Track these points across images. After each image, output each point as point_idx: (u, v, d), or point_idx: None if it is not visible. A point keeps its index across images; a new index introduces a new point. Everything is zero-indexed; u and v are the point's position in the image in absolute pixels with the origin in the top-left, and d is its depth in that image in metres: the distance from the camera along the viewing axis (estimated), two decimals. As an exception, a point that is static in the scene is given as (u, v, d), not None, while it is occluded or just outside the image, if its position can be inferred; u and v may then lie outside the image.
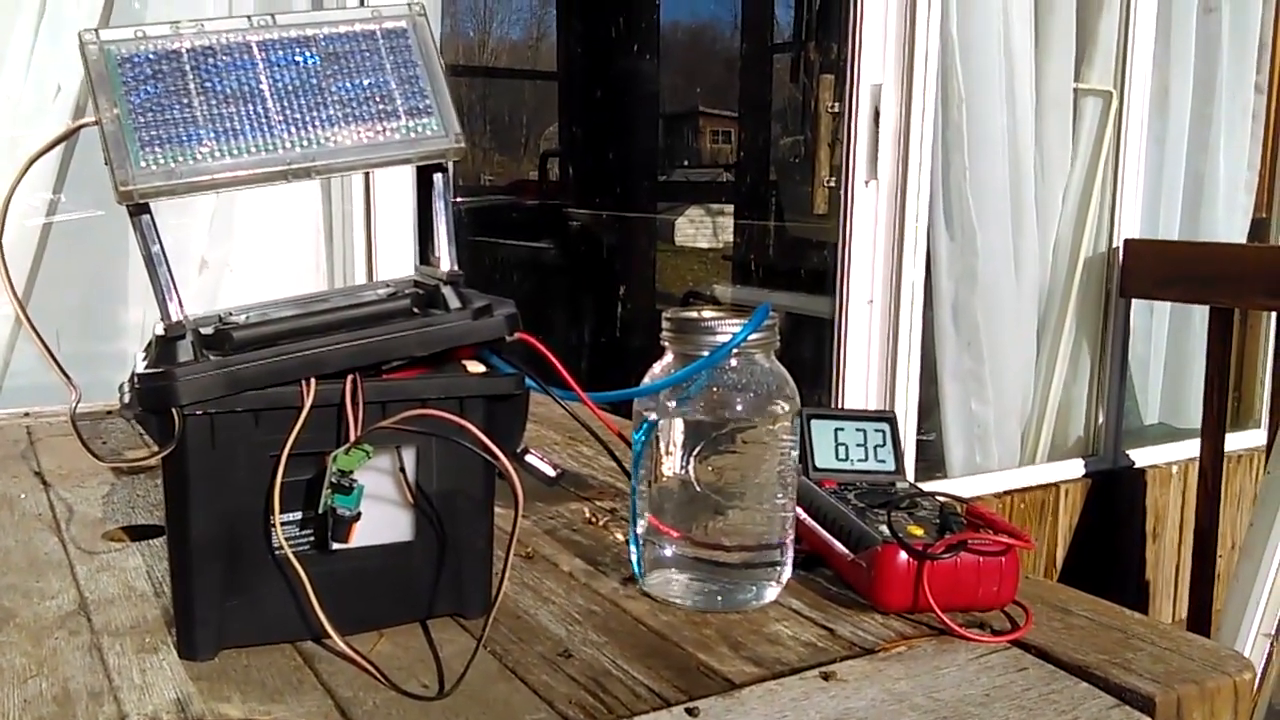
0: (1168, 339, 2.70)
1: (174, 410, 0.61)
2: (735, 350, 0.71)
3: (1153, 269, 2.39)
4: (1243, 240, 2.72)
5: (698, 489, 0.72)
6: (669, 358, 0.74)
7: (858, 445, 0.86)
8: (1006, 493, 2.33)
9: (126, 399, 0.63)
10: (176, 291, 0.63)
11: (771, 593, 0.74)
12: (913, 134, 2.08)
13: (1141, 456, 2.54)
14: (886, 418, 0.87)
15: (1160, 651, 0.67)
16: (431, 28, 0.68)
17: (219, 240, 1.65)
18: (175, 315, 0.62)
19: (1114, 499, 2.48)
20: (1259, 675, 1.92)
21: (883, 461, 0.85)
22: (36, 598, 0.73)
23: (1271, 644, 1.95)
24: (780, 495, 0.74)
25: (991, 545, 0.71)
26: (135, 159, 0.61)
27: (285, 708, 0.58)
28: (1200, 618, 2.36)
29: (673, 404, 0.72)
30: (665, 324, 0.74)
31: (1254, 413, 2.83)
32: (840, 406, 2.16)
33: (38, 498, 0.96)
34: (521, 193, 5.82)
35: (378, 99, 0.66)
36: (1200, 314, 2.62)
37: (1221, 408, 2.30)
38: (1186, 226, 2.64)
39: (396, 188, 1.67)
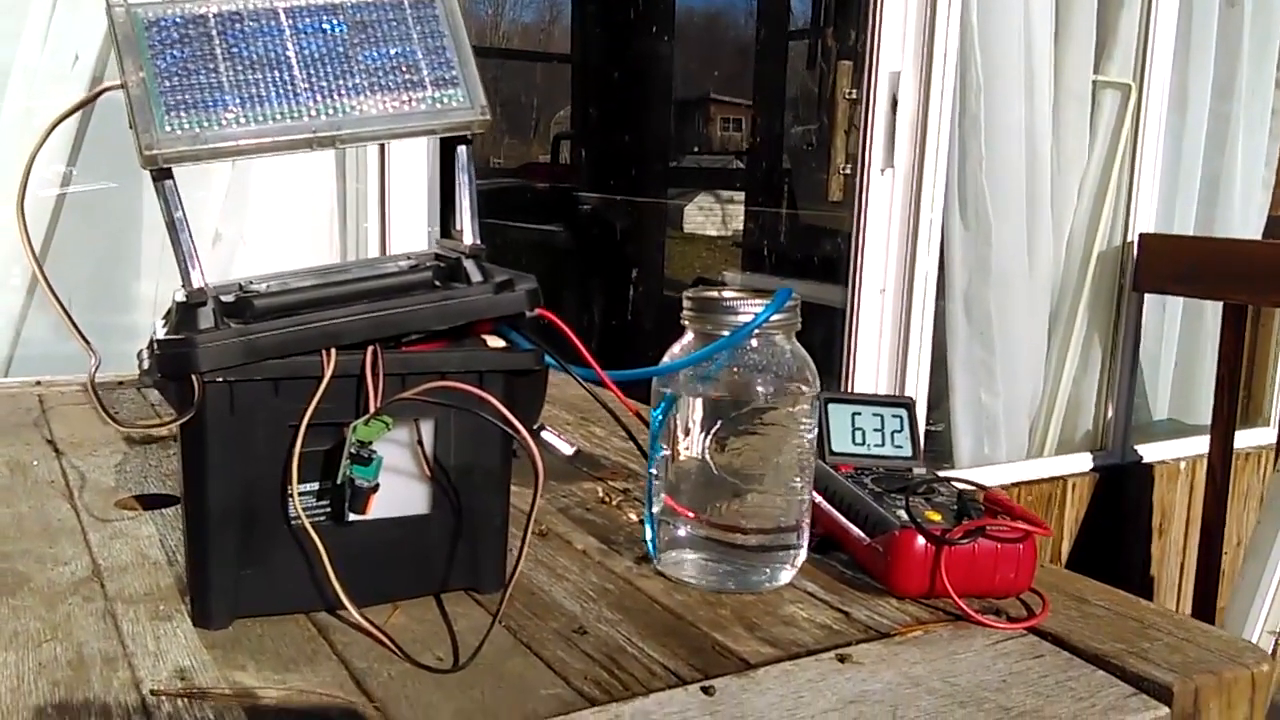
0: (1179, 335, 2.68)
1: (194, 377, 0.60)
2: (756, 331, 0.71)
3: (1168, 264, 2.38)
4: (1257, 236, 2.71)
5: (715, 471, 0.72)
6: (689, 337, 0.74)
7: (875, 430, 0.85)
8: (1014, 485, 2.32)
9: (145, 365, 0.63)
10: (198, 258, 0.62)
11: (786, 575, 0.73)
12: (930, 122, 2.06)
13: (1150, 452, 2.53)
14: (904, 403, 0.87)
15: (1177, 642, 0.67)
16: (458, -1, 0.67)
17: (233, 214, 1.65)
18: (197, 282, 0.62)
19: (1121, 494, 2.48)
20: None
21: (900, 447, 0.85)
22: (50, 563, 0.73)
23: (1276, 641, 1.94)
24: (798, 479, 0.73)
25: (1009, 532, 0.71)
26: (160, 123, 0.60)
27: (300, 677, 0.58)
28: (1204, 614, 2.36)
29: (693, 383, 0.72)
30: (686, 303, 0.74)
31: (1263, 411, 2.82)
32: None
33: (50, 465, 0.96)
34: (532, 175, 5.81)
35: (404, 69, 0.65)
36: (1211, 311, 2.61)
37: (1232, 405, 2.29)
38: (1202, 223, 2.63)
39: (412, 162, 1.66)
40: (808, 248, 3.43)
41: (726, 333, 0.71)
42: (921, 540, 0.70)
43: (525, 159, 7.44)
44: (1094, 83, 2.38)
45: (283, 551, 0.65)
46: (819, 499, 0.79)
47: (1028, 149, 2.27)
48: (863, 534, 0.74)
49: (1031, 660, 0.64)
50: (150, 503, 0.87)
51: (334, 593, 0.63)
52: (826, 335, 2.24)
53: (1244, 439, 2.48)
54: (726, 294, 0.74)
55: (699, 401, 0.72)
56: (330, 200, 1.70)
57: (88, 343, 0.65)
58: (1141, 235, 2.42)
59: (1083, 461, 2.45)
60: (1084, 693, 0.60)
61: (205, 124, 0.61)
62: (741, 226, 4.77)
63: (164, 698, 0.55)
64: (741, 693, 0.58)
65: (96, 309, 1.70)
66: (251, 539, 0.64)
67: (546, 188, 5.18)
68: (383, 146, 1.63)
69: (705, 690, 0.58)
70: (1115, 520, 2.46)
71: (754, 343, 0.72)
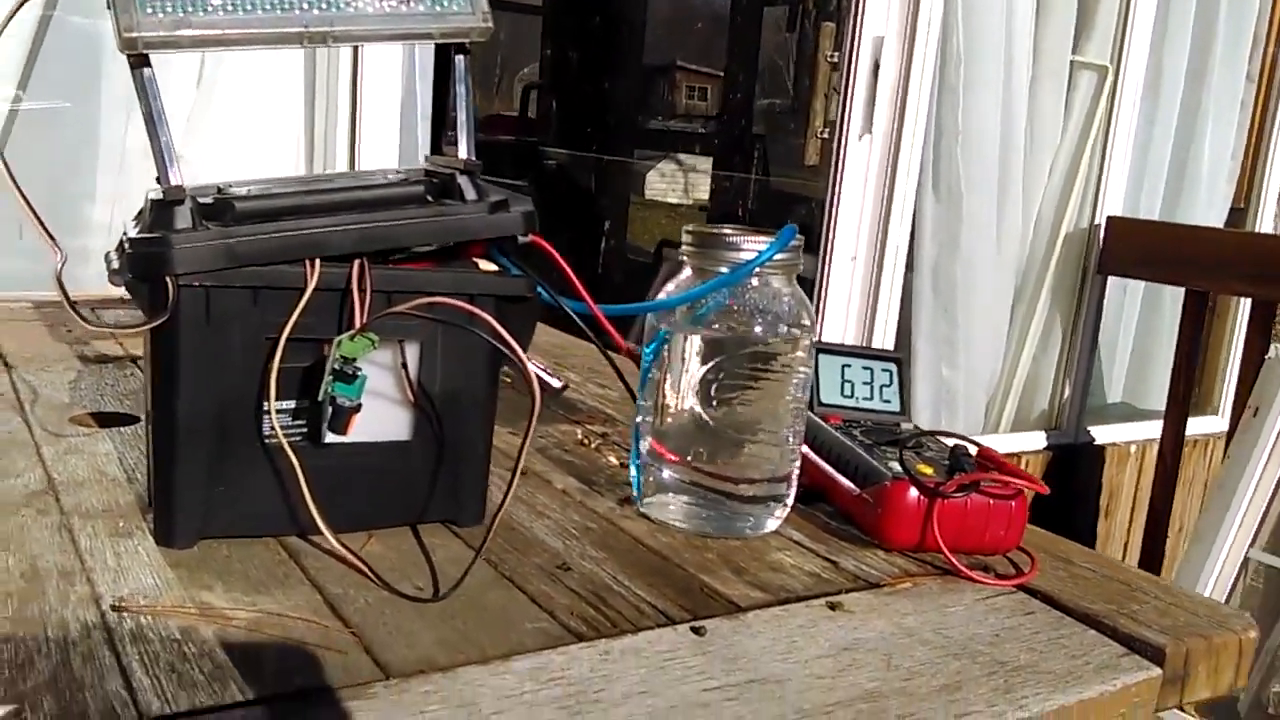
0: (1138, 321, 2.71)
1: (168, 278, 0.57)
2: (756, 271, 0.68)
3: (1133, 248, 2.39)
4: (1219, 226, 2.73)
5: (706, 417, 0.69)
6: (686, 273, 0.71)
7: (864, 384, 0.83)
8: (969, 459, 2.33)
9: (115, 265, 0.59)
10: (176, 155, 0.58)
11: (772, 523, 0.72)
12: (911, 89, 2.04)
13: (1102, 434, 2.56)
14: (894, 358, 0.85)
15: (1165, 606, 0.66)
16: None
17: (194, 133, 1.58)
18: (175, 179, 0.58)
19: (1072, 473, 2.51)
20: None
21: (888, 402, 0.83)
22: (0, 476, 0.69)
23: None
24: (790, 428, 0.71)
25: (1003, 488, 0.69)
26: (141, 4, 0.56)
27: (271, 600, 0.55)
28: (1146, 595, 2.40)
29: (688, 321, 0.70)
30: (686, 237, 0.71)
31: (1213, 399, 2.86)
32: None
33: (-1, 378, 0.91)
34: (496, 128, 5.70)
35: (405, -34, 0.61)
36: (1170, 298, 2.63)
37: (1187, 391, 2.32)
38: (1167, 210, 2.64)
39: (386, 75, 1.59)
40: (778, 213, 3.41)
41: (726, 269, 0.69)
42: (914, 492, 0.68)
43: (488, 112, 7.32)
44: (1071, 63, 2.38)
45: (255, 471, 0.61)
46: (807, 450, 0.77)
47: (1003, 125, 2.26)
48: (852, 485, 0.73)
49: (1023, 616, 0.63)
50: (107, 420, 0.83)
51: (308, 516, 0.60)
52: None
53: (1193, 426, 2.51)
54: (728, 230, 0.72)
55: (694, 340, 0.70)
56: (298, 118, 1.63)
57: (53, 238, 0.60)
58: (1109, 218, 2.43)
59: (1036, 439, 2.47)
60: (1077, 650, 0.59)
61: (190, 8, 0.57)
62: (707, 193, 4.74)
63: (126, 614, 0.51)
64: (733, 635, 0.56)
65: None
66: (222, 456, 0.61)
67: (512, 141, 5.09)
68: (355, 56, 1.56)
69: (695, 630, 0.56)
70: (1065, 499, 2.49)
71: (754, 282, 0.69)
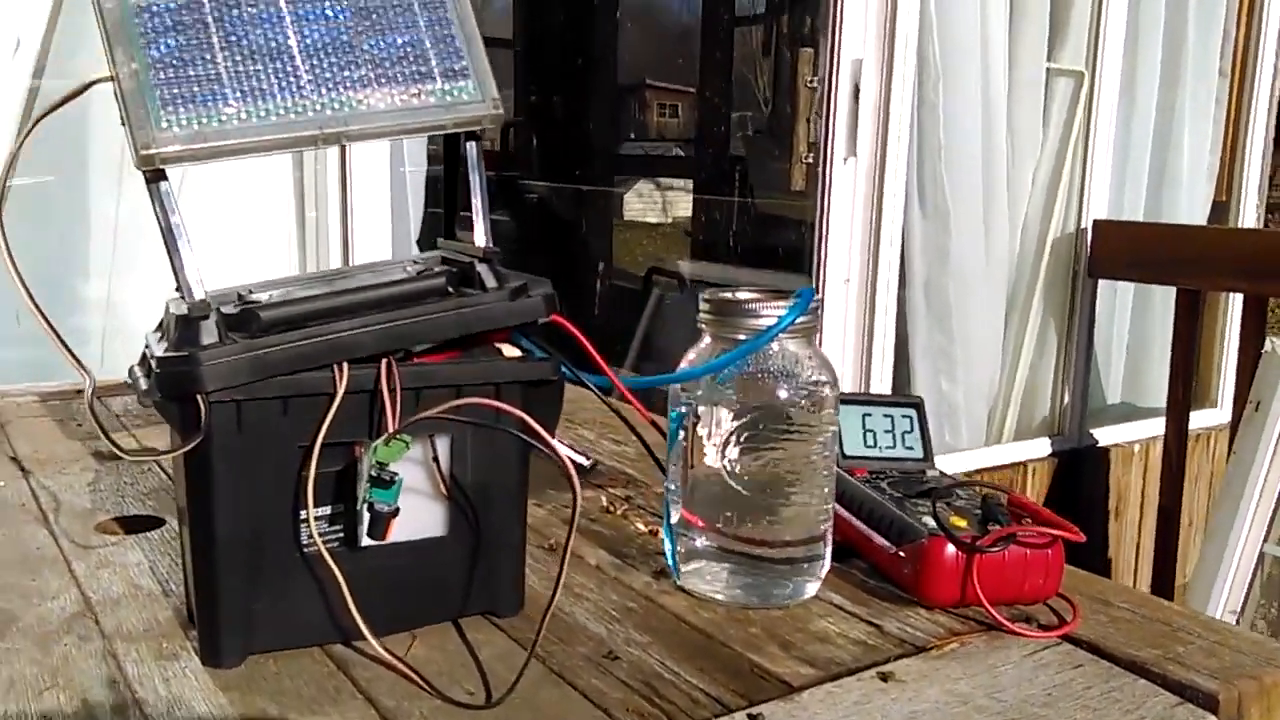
0: (1130, 320, 2.72)
1: (199, 396, 0.56)
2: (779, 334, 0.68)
3: (1121, 250, 2.40)
4: (1203, 222, 2.76)
5: (735, 482, 0.69)
6: (705, 341, 0.71)
7: (886, 431, 0.83)
8: (976, 471, 2.34)
9: (143, 385, 0.58)
10: (199, 268, 0.58)
11: (812, 587, 0.71)
12: (893, 110, 2.06)
13: (1105, 435, 2.57)
14: (914, 403, 0.85)
15: (1210, 645, 0.66)
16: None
17: (188, 211, 1.58)
18: (199, 294, 0.57)
19: (1079, 477, 2.51)
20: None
21: (911, 449, 0.83)
22: (36, 598, 0.68)
23: (1238, 622, 1.98)
24: (822, 486, 0.71)
25: (1038, 537, 0.69)
26: (156, 119, 0.56)
27: None
28: (1162, 594, 2.40)
29: (711, 390, 0.69)
30: (703, 305, 0.71)
31: (1211, 392, 2.88)
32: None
33: (18, 486, 0.90)
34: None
35: (412, 59, 0.61)
36: (1160, 296, 2.65)
37: (1187, 389, 2.33)
38: (1150, 210, 2.66)
39: (373, 160, 1.60)
40: (763, 236, 3.42)
41: (746, 337, 0.69)
42: (952, 549, 0.68)
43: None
44: (1047, 70, 2.40)
45: (295, 581, 0.61)
46: (836, 506, 0.77)
47: (984, 137, 2.28)
48: (887, 542, 0.72)
49: (1072, 671, 0.63)
50: (132, 525, 0.82)
51: (352, 623, 0.59)
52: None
53: (1195, 420, 2.52)
54: (744, 295, 0.72)
55: (720, 409, 0.70)
56: (289, 210, 1.63)
57: (80, 364, 0.60)
58: (1095, 222, 2.45)
59: (1041, 446, 2.48)
60: (1130, 704, 0.59)
61: (205, 120, 0.57)
62: (690, 213, 4.75)
63: (182, 747, 0.51)
64: (789, 719, 0.56)
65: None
66: (261, 568, 0.60)
67: (492, 175, 5.08)
68: (343, 153, 1.56)
69: (752, 718, 0.56)
70: (1074, 503, 2.49)
71: (774, 346, 0.69)
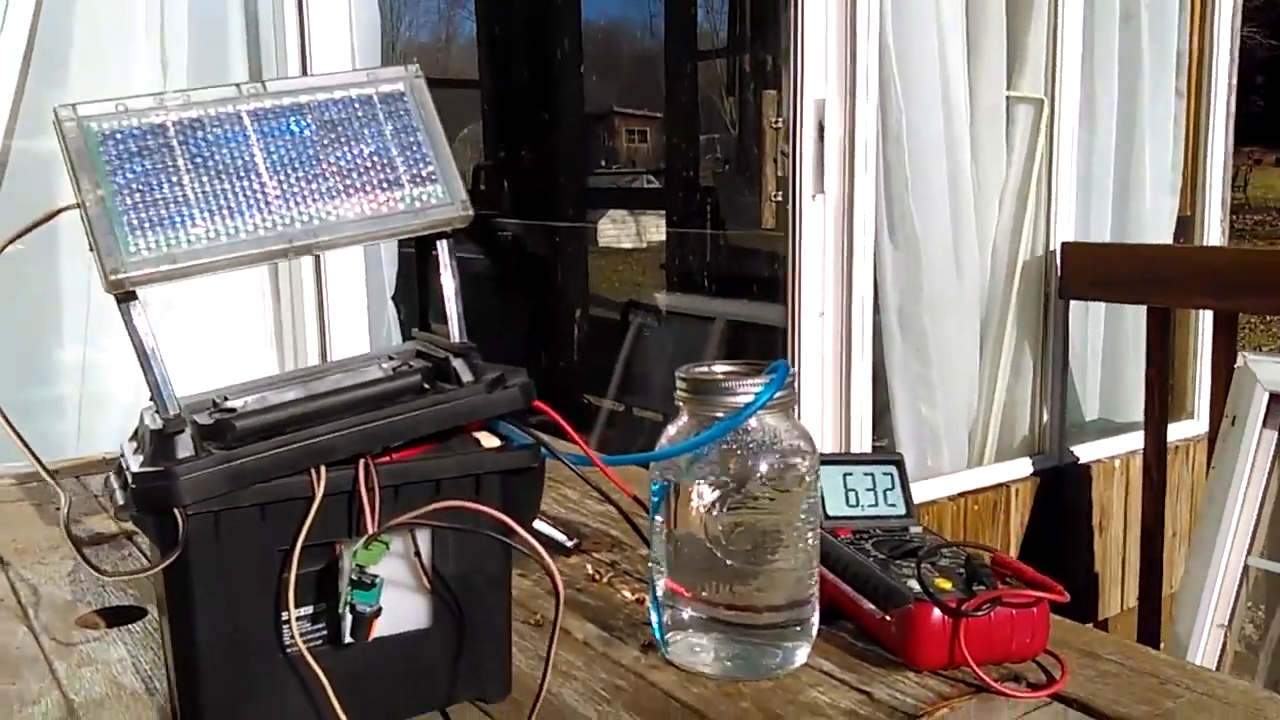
0: (1104, 337, 2.75)
1: (176, 510, 0.56)
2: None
3: (1089, 271, 2.43)
4: (1169, 238, 2.79)
5: (719, 552, 0.70)
6: (684, 419, 0.72)
7: (867, 490, 0.84)
8: (960, 495, 2.35)
9: (120, 500, 0.58)
10: (172, 383, 0.58)
11: (802, 654, 0.72)
12: (858, 147, 2.08)
13: (1085, 452, 2.59)
14: (894, 460, 0.86)
15: (1199, 698, 0.67)
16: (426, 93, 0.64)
17: (160, 320, 1.57)
18: (173, 409, 0.57)
19: (1061, 495, 2.53)
20: (1215, 665, 1.97)
21: (893, 506, 0.84)
22: (17, 704, 0.67)
23: (1225, 634, 2.00)
24: (805, 550, 0.72)
25: (1024, 598, 0.70)
26: (125, 244, 0.56)
27: (317, 828, 0.54)
28: (1150, 608, 2.42)
29: (691, 466, 0.70)
30: (679, 384, 0.72)
31: (1186, 404, 2.90)
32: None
33: (-3, 583, 0.89)
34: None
35: (379, 167, 0.62)
36: (1132, 312, 2.68)
37: (1163, 406, 2.36)
38: (1116, 229, 2.70)
39: (347, 257, 1.62)
40: (738, 267, 3.43)
41: (722, 414, 0.69)
42: (938, 613, 0.69)
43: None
44: (1008, 98, 2.43)
45: (279, 683, 0.61)
46: (821, 568, 0.77)
47: (949, 166, 2.31)
48: (874, 606, 0.73)
49: (1062, 732, 0.63)
50: (114, 616, 0.82)
51: (341, 724, 0.59)
52: (767, 354, 2.25)
53: (1172, 433, 2.54)
54: (720, 371, 0.73)
55: (699, 484, 0.70)
56: (266, 309, 1.63)
57: (53, 477, 0.60)
58: (1063, 244, 2.48)
59: (1023, 467, 2.50)
60: (1121, 765, 0.60)
61: (174, 241, 0.57)
62: (661, 240, 4.77)
63: None
64: (784, 801, 0.56)
65: (17, 383, 1.60)
66: (245, 673, 0.60)
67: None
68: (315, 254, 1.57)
69: (747, 803, 0.56)
70: (1057, 521, 2.51)
71: (753, 422, 0.70)
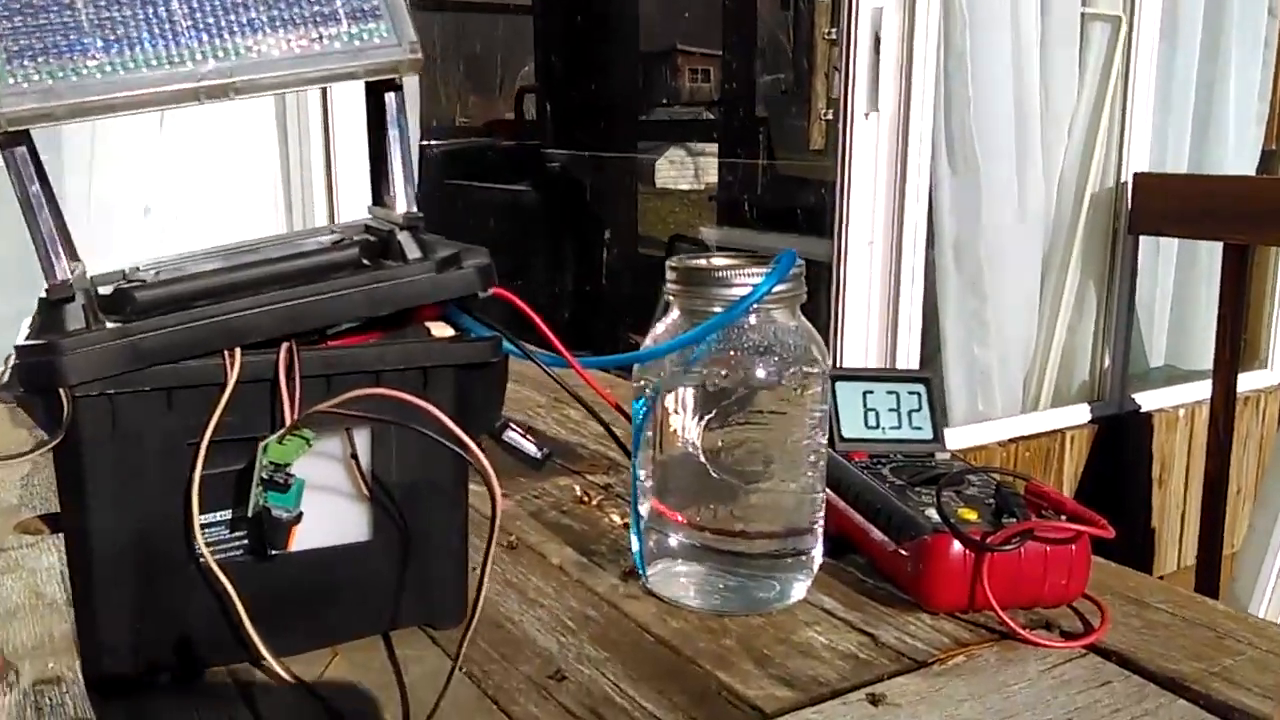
0: (1174, 278, 2.59)
1: (62, 390, 0.49)
2: (755, 306, 0.59)
3: (1164, 204, 2.27)
4: (1252, 173, 2.60)
5: (711, 469, 0.60)
6: (674, 315, 0.63)
7: (890, 410, 0.74)
8: (1011, 440, 2.23)
9: (5, 377, 0.51)
10: (62, 243, 0.50)
11: (799, 589, 0.63)
12: (916, 61, 1.94)
13: (1147, 400, 2.45)
14: (922, 378, 0.76)
15: (1263, 656, 0.57)
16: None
17: (164, 183, 1.50)
18: (61, 274, 0.50)
19: (1120, 445, 2.39)
20: None
21: (919, 429, 0.74)
22: (-76, 611, 0.61)
23: (1291, 596, 1.87)
24: (809, 472, 0.62)
25: (1060, 532, 0.60)
26: (2, 74, 0.48)
27: (212, 760, 0.47)
28: (1210, 563, 2.29)
29: (680, 370, 0.61)
30: (670, 274, 0.62)
31: (1259, 352, 2.73)
32: (843, 360, 2.04)
33: (-56, 482, 0.84)
34: (497, 132, 5.61)
35: (311, -2, 0.53)
36: (1206, 252, 2.51)
37: (1235, 348, 2.20)
38: (1194, 161, 2.52)
39: (358, 118, 1.52)
40: (787, 199, 3.30)
41: (719, 309, 0.60)
42: (958, 546, 0.59)
43: (490, 116, 7.22)
44: (1082, 14, 2.26)
45: (190, 596, 0.53)
46: (831, 495, 0.68)
47: (1015, 87, 2.15)
48: (886, 538, 0.63)
49: (1097, 689, 0.54)
50: (59, 523, 0.75)
51: (253, 643, 0.51)
52: (812, 291, 2.13)
53: (1242, 383, 2.39)
54: (717, 262, 0.63)
55: (689, 391, 0.61)
56: (273, 165, 1.55)
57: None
58: (1136, 175, 2.31)
59: (1080, 413, 2.36)
60: (1166, 731, 0.50)
61: (61, 73, 0.49)
62: (716, 179, 4.62)
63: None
64: (756, 755, 0.47)
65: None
66: (151, 582, 0.53)
67: (513, 145, 4.99)
68: (325, 99, 1.48)
69: (712, 755, 0.47)
70: (1115, 472, 2.38)
71: (752, 319, 0.60)
